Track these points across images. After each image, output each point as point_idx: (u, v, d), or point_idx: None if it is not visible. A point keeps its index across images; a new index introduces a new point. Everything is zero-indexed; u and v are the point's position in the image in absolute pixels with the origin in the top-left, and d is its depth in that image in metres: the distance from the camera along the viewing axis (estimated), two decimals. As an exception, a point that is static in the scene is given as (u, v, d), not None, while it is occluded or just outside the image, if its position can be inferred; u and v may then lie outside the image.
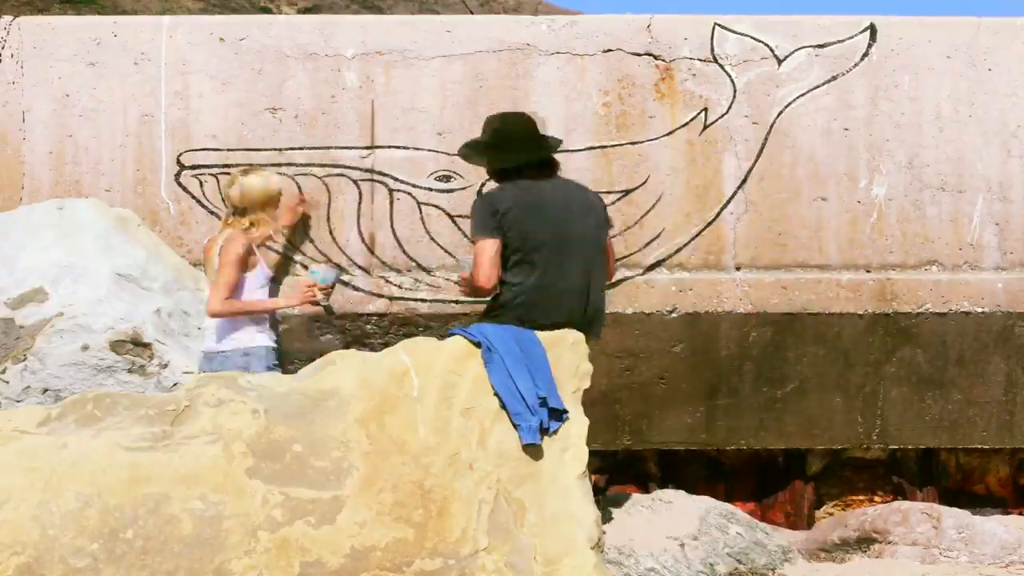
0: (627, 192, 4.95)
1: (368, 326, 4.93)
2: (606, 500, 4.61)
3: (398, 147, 4.96)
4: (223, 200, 4.63)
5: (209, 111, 4.96)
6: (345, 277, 4.86)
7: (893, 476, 5.26)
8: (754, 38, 4.98)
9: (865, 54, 5.02)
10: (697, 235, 4.97)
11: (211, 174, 4.95)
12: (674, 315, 4.97)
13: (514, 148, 4.14)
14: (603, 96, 4.99)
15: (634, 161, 4.97)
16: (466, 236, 4.73)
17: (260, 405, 3.58)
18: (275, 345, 4.38)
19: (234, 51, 4.97)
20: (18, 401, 4.06)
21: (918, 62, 5.03)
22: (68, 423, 3.55)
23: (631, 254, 4.94)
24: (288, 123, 4.96)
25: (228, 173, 4.89)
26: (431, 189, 4.95)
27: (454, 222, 4.94)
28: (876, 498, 5.19)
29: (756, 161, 5.00)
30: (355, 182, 4.95)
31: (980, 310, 5.02)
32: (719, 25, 4.99)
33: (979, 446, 5.15)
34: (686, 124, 4.98)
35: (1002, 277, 5.04)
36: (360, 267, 4.91)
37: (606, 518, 4.23)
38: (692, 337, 4.98)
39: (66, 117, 4.97)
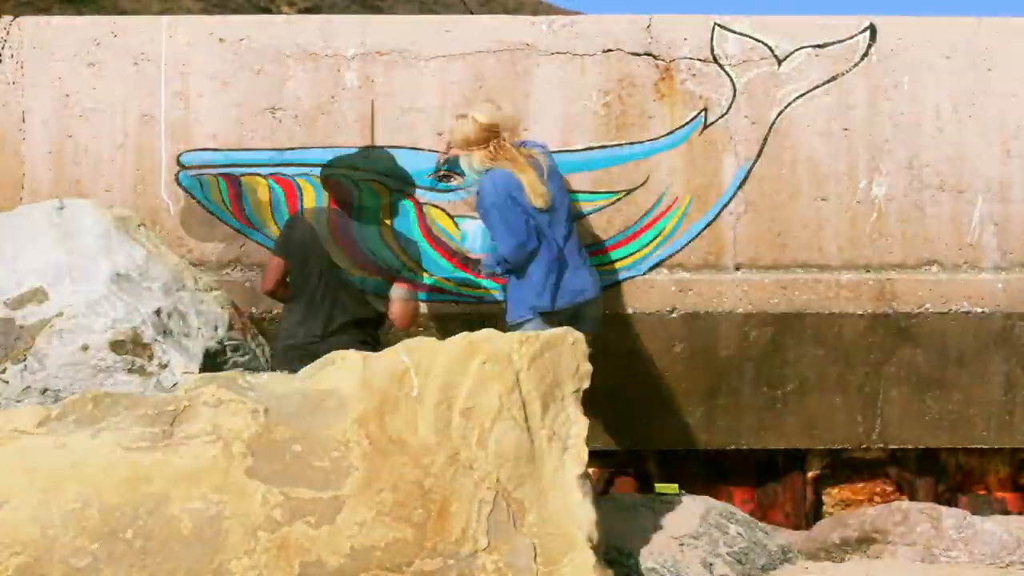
0: (628, 192, 4.95)
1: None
2: (606, 500, 4.60)
3: (398, 147, 4.96)
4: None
5: (209, 111, 4.96)
6: None
7: (893, 476, 5.26)
8: (754, 38, 4.98)
9: (865, 54, 5.02)
10: (697, 235, 4.97)
11: (211, 174, 4.95)
12: (674, 315, 4.97)
13: None
14: (603, 96, 4.99)
15: (634, 161, 4.97)
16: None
17: (260, 405, 3.58)
18: None
19: (234, 51, 4.97)
20: (18, 401, 4.06)
21: (918, 62, 5.03)
22: (68, 423, 3.55)
23: (631, 254, 4.95)
24: (288, 123, 4.96)
25: (228, 173, 4.92)
26: (431, 189, 4.95)
27: (454, 222, 4.95)
28: (876, 498, 5.19)
29: (756, 161, 5.00)
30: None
31: (980, 310, 5.02)
32: (719, 25, 4.99)
33: (979, 446, 5.15)
34: (686, 124, 4.98)
35: (1002, 277, 5.04)
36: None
37: (606, 518, 4.23)
38: (692, 337, 4.98)
39: (66, 117, 4.97)
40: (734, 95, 4.98)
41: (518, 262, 4.40)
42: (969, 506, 5.05)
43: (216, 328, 4.48)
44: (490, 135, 4.44)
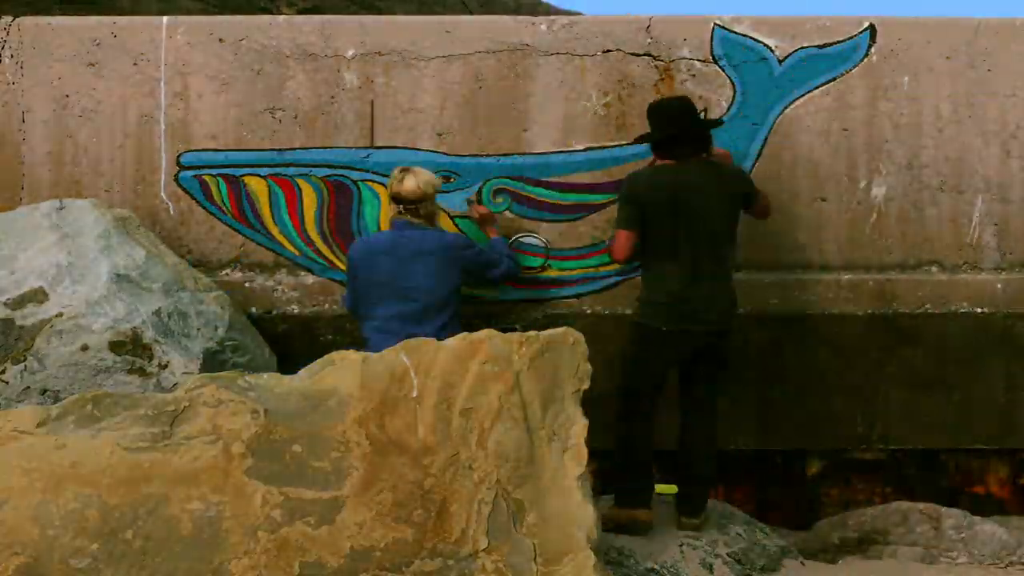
0: (627, 192, 4.94)
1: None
2: (606, 500, 4.61)
3: (398, 147, 4.97)
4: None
5: (209, 111, 4.96)
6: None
7: (892, 476, 5.25)
8: (753, 38, 4.98)
9: (865, 54, 5.02)
10: (697, 235, 4.96)
11: (210, 175, 4.95)
12: (674, 315, 4.95)
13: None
14: (603, 96, 4.99)
15: (634, 162, 4.97)
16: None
17: (259, 405, 3.58)
18: None
19: (234, 51, 4.97)
20: (18, 402, 4.06)
21: (918, 62, 5.03)
22: (67, 423, 3.55)
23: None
24: (288, 123, 4.96)
25: (228, 173, 4.92)
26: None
27: (454, 222, 4.95)
28: (876, 498, 5.18)
29: (756, 161, 5.00)
30: (354, 182, 4.96)
31: (980, 310, 5.03)
32: (718, 25, 4.99)
33: (979, 447, 5.15)
34: (686, 124, 4.96)
35: (1002, 277, 5.04)
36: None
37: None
38: (692, 337, 4.96)
39: (66, 117, 4.97)
40: (734, 95, 4.98)
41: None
42: (969, 506, 5.05)
43: (216, 328, 4.48)
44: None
